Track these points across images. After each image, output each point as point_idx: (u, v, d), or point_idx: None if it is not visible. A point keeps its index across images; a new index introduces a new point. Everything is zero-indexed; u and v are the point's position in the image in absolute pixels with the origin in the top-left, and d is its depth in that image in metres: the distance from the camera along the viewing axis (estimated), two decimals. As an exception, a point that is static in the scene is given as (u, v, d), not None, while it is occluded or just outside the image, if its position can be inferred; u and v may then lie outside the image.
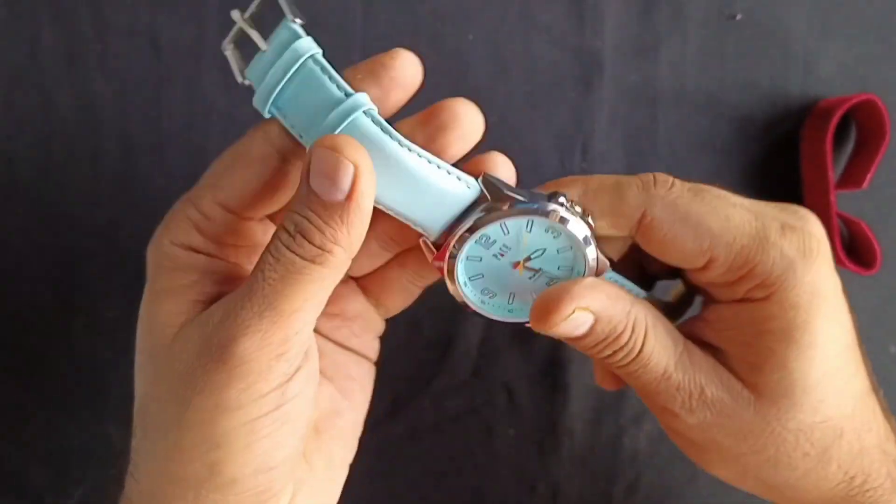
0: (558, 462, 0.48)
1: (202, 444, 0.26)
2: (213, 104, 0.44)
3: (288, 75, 0.27)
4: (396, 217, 0.29)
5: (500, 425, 0.48)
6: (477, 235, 0.29)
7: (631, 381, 0.31)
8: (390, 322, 0.46)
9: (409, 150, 0.27)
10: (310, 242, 0.25)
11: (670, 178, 0.31)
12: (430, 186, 0.28)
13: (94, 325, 0.46)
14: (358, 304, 0.34)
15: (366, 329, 0.35)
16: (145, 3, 0.44)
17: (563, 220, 0.29)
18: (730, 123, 0.46)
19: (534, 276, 0.31)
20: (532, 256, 0.31)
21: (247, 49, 0.29)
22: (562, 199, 0.29)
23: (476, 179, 0.29)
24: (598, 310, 0.29)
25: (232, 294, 0.27)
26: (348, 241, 0.26)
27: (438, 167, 0.28)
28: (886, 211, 0.46)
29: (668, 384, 0.30)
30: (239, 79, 0.29)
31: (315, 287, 0.26)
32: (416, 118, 0.30)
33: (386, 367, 0.47)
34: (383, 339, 0.47)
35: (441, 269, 0.31)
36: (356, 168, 0.25)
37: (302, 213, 0.25)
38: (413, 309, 0.46)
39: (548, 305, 0.29)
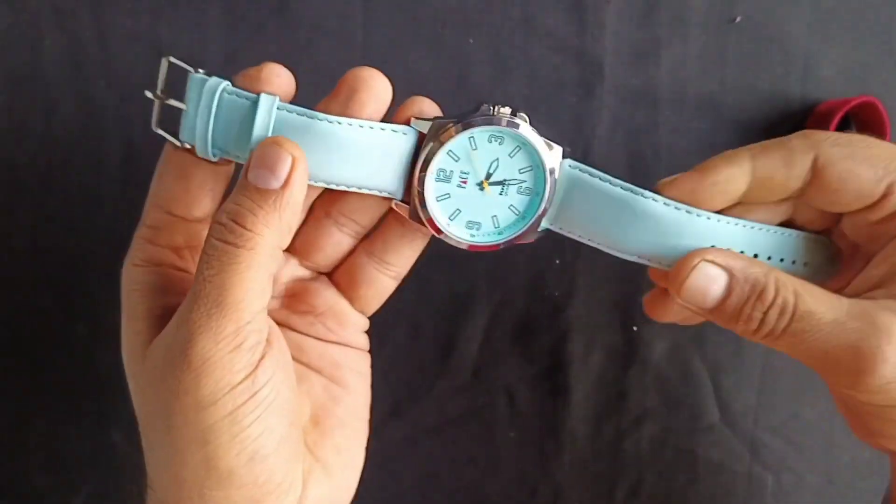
0: (560, 465, 0.48)
1: (192, 443, 0.28)
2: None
3: (212, 115, 0.29)
4: (357, 192, 0.31)
5: (501, 428, 0.48)
6: (433, 172, 0.31)
7: (801, 351, 0.29)
8: (390, 325, 0.47)
9: (339, 122, 0.29)
10: (242, 226, 0.27)
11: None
12: (371, 147, 0.30)
13: (95, 331, 0.46)
14: (327, 298, 0.35)
15: (341, 324, 0.35)
16: (147, 10, 0.44)
17: (496, 121, 0.31)
18: (731, 126, 0.46)
19: (503, 189, 0.32)
20: (491, 172, 0.32)
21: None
22: (484, 108, 0.31)
23: (408, 126, 0.31)
24: (730, 264, 0.29)
25: (184, 301, 0.28)
26: (279, 224, 0.27)
27: (371, 128, 0.30)
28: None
29: (846, 336, 0.28)
30: (178, 145, 0.31)
31: (252, 274, 0.27)
32: (329, 96, 0.31)
33: (387, 370, 0.47)
34: (384, 342, 0.47)
35: (421, 221, 0.32)
36: (294, 160, 0.27)
37: (236, 201, 0.27)
38: (413, 311, 0.47)
39: (674, 267, 0.29)
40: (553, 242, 0.46)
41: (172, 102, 0.31)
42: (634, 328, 0.47)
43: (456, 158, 0.31)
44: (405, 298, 0.46)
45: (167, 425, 0.28)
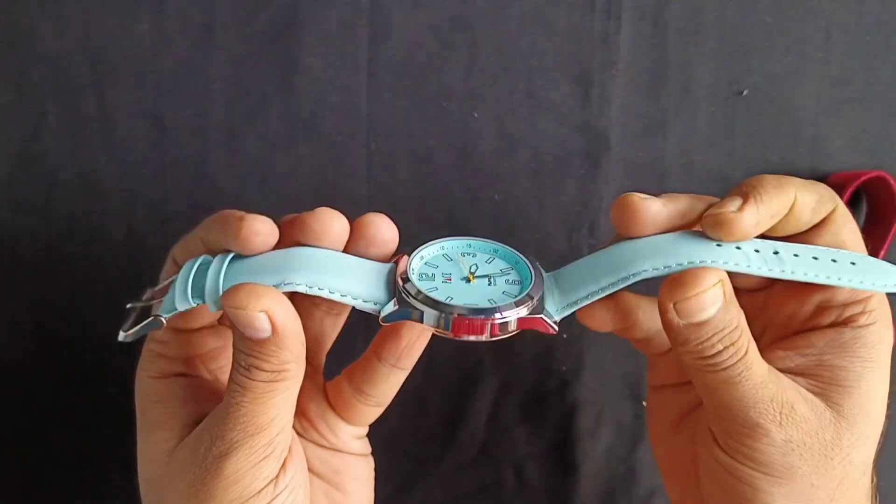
0: (570, 545, 0.47)
1: None
2: (219, 185, 0.44)
3: (191, 277, 0.30)
4: (342, 301, 0.31)
5: (509, 505, 0.47)
6: (416, 275, 0.30)
7: (726, 390, 0.29)
8: (396, 399, 0.46)
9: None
10: (261, 371, 0.28)
11: None
12: (351, 264, 0.30)
13: (99, 403, 0.45)
14: (318, 404, 0.35)
15: (333, 433, 0.35)
16: (150, 85, 0.44)
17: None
18: (739, 199, 0.45)
19: (490, 280, 0.31)
20: (472, 271, 0.32)
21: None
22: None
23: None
24: (729, 295, 0.29)
25: (213, 416, 0.29)
26: (291, 355, 0.28)
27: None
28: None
29: (764, 394, 0.29)
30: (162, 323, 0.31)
31: (282, 396, 0.29)
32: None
33: (393, 445, 0.46)
34: (390, 416, 0.46)
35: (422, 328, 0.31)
36: (266, 311, 0.27)
37: (245, 351, 0.28)
38: (420, 385, 0.46)
39: (696, 274, 0.29)
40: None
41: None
42: (644, 403, 0.47)
43: (435, 266, 0.32)
44: (411, 374, 0.46)
45: None
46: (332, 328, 0.35)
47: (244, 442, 0.28)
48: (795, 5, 0.44)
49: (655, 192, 0.44)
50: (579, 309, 0.31)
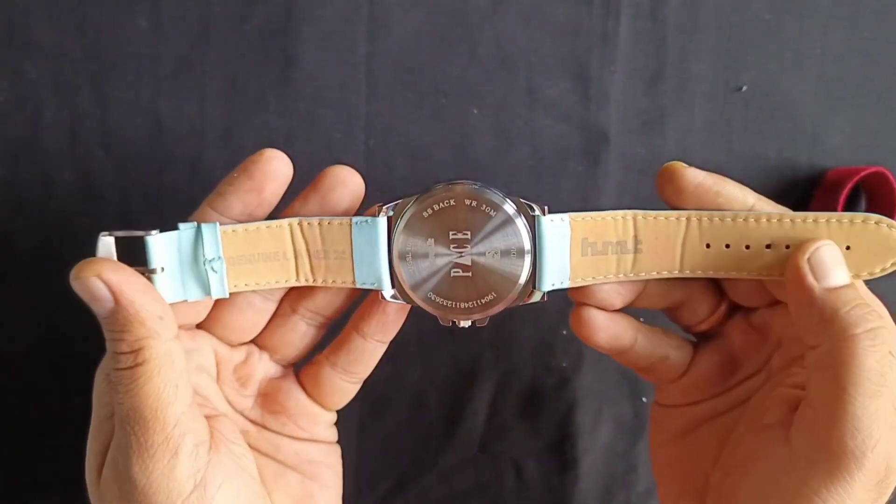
0: (569, 542, 0.47)
1: None
2: (216, 182, 0.44)
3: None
4: (325, 287, 0.32)
5: (508, 502, 0.47)
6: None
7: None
8: (394, 397, 0.46)
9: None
10: (122, 354, 0.27)
11: None
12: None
13: (91, 404, 0.45)
14: (299, 400, 0.35)
15: (312, 423, 0.35)
16: (147, 82, 0.44)
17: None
18: (738, 195, 0.45)
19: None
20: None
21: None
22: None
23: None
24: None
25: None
26: (146, 329, 0.28)
27: (340, 223, 0.31)
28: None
29: None
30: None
31: (156, 382, 0.28)
32: (306, 190, 0.32)
33: (392, 443, 0.46)
34: (388, 415, 0.46)
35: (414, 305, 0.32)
36: (99, 276, 0.27)
37: (107, 336, 0.28)
38: (418, 383, 0.46)
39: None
40: (559, 314, 0.45)
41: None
42: (643, 399, 0.47)
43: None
44: (409, 371, 0.46)
45: None
46: (314, 339, 0.35)
47: (137, 444, 0.27)
48: (793, 1, 0.44)
49: (653, 189, 0.45)
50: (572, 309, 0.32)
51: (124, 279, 0.28)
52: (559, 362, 0.46)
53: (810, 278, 0.28)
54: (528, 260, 0.31)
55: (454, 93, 0.44)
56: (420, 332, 0.45)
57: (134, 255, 0.30)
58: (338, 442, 0.37)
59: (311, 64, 0.44)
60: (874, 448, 0.26)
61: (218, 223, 0.31)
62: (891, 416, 0.26)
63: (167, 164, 0.44)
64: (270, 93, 0.44)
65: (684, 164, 0.31)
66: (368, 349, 0.34)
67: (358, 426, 0.46)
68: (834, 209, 0.43)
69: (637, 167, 0.45)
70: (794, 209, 0.44)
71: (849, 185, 0.42)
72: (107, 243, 0.30)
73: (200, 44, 0.44)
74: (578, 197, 0.45)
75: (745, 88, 0.45)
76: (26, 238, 0.44)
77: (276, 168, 0.31)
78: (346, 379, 0.34)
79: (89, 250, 0.43)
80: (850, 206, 0.45)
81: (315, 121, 0.44)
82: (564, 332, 0.46)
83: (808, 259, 0.29)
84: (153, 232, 0.30)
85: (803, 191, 0.45)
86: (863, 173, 0.42)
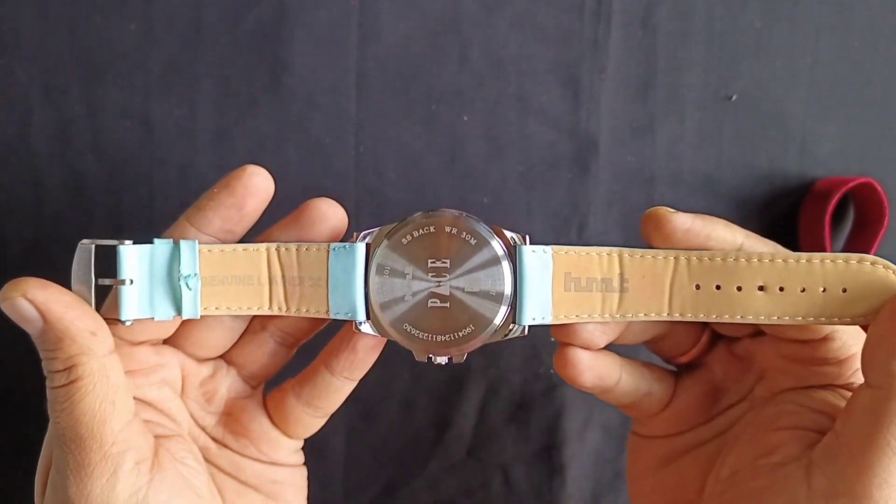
0: (556, 549, 0.47)
1: None
2: (207, 186, 0.43)
3: None
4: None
5: (496, 507, 0.47)
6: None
7: None
8: (383, 402, 0.46)
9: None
10: (56, 372, 0.27)
11: None
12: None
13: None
14: (261, 424, 0.34)
15: (274, 448, 0.34)
16: (137, 85, 0.44)
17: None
18: (727, 204, 0.45)
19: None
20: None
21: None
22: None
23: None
24: None
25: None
26: (78, 346, 0.27)
27: (317, 249, 0.31)
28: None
29: None
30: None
31: (93, 400, 0.27)
32: (286, 219, 0.32)
33: (379, 448, 0.46)
34: (377, 420, 0.46)
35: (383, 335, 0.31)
36: (25, 296, 0.27)
37: (42, 356, 0.28)
38: (407, 388, 0.46)
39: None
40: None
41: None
42: (631, 406, 0.47)
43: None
44: (398, 376, 0.46)
45: None
46: (283, 358, 0.34)
47: (75, 463, 0.27)
48: (784, 10, 0.45)
49: (643, 196, 0.45)
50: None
51: (51, 297, 0.27)
52: (547, 369, 0.46)
53: None
54: (507, 297, 0.30)
55: (445, 99, 0.44)
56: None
57: (111, 264, 0.30)
58: (304, 464, 0.36)
59: (302, 69, 0.44)
60: None
61: (197, 241, 0.30)
62: None
63: (157, 167, 0.44)
64: (261, 97, 0.44)
65: (670, 210, 0.30)
66: (335, 385, 0.33)
67: (346, 431, 0.46)
68: (822, 219, 0.43)
69: (627, 175, 0.45)
70: (783, 218, 0.45)
71: (837, 196, 0.42)
72: (86, 249, 0.29)
73: (191, 48, 0.44)
74: (568, 204, 0.45)
75: (735, 97, 0.45)
76: (16, 240, 0.44)
77: (257, 184, 0.30)
78: (310, 413, 0.34)
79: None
80: (839, 215, 0.45)
81: (306, 126, 0.44)
82: (552, 340, 0.46)
83: None
84: (126, 242, 0.30)
85: (793, 200, 0.45)
86: (851, 184, 0.43)
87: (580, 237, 0.45)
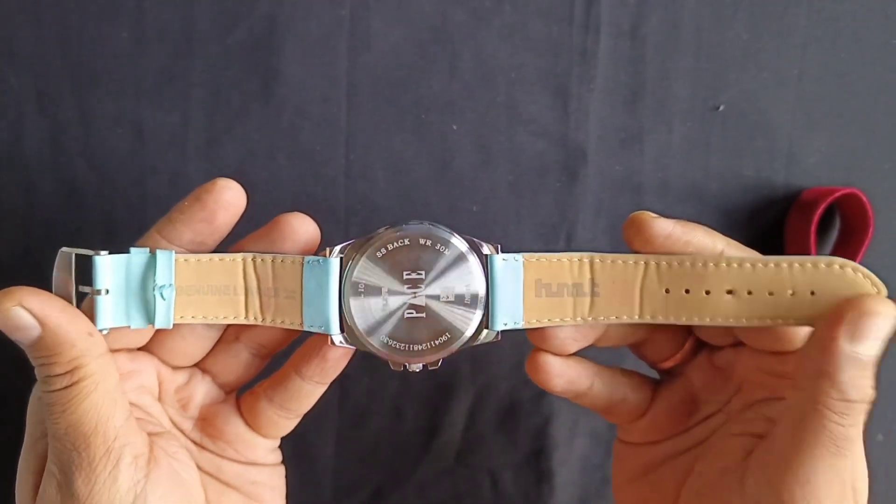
0: (543, 555, 0.47)
1: None
2: (197, 193, 0.44)
3: None
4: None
5: (484, 513, 0.47)
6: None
7: (837, 454, 0.28)
8: (373, 409, 0.46)
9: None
10: (56, 376, 0.28)
11: None
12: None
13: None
14: (236, 426, 0.35)
15: (250, 449, 0.35)
16: (129, 92, 0.44)
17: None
18: (714, 213, 0.46)
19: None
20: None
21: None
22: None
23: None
24: None
25: (49, 451, 0.29)
26: (78, 349, 0.28)
27: (293, 262, 0.31)
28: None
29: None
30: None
31: (96, 399, 0.28)
32: (257, 232, 0.32)
33: (369, 454, 0.47)
34: (366, 425, 0.46)
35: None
36: (21, 304, 0.27)
37: (35, 363, 0.28)
38: (396, 396, 0.46)
39: (877, 299, 0.28)
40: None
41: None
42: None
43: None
44: (387, 383, 0.46)
45: None
46: (256, 368, 0.35)
47: (80, 458, 0.28)
48: (772, 22, 0.45)
49: (631, 205, 0.45)
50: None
51: (46, 302, 0.28)
52: (536, 376, 0.46)
53: (844, 337, 0.27)
54: (481, 300, 0.31)
55: (435, 108, 0.45)
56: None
57: (87, 273, 0.30)
58: (282, 463, 0.37)
59: (293, 78, 0.44)
60: None
61: (174, 251, 0.30)
62: (845, 484, 0.27)
63: (149, 174, 0.44)
64: (252, 106, 0.44)
65: (651, 214, 0.30)
66: (306, 390, 0.33)
67: (336, 437, 0.46)
68: (808, 228, 0.43)
69: (615, 184, 0.45)
70: (770, 228, 0.46)
71: (823, 206, 0.43)
72: (66, 256, 0.30)
73: (183, 56, 0.44)
74: (556, 212, 0.45)
75: (722, 108, 0.45)
76: (8, 246, 0.44)
77: (228, 198, 0.30)
78: (282, 415, 0.34)
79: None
80: (824, 225, 0.46)
81: (296, 134, 0.44)
82: (541, 346, 0.46)
83: (854, 318, 0.27)
84: (102, 252, 0.30)
85: (779, 209, 0.46)
86: (837, 194, 0.43)
87: (568, 245, 0.45)
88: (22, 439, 0.44)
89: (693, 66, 0.45)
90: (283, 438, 0.36)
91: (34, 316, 0.27)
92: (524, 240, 0.45)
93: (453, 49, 0.44)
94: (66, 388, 0.28)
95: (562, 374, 0.33)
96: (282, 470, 0.37)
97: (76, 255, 0.30)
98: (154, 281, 0.30)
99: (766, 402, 0.31)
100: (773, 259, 0.29)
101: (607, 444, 0.47)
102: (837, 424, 0.27)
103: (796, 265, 0.29)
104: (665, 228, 0.30)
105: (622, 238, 0.45)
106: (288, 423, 0.35)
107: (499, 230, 0.45)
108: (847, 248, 0.44)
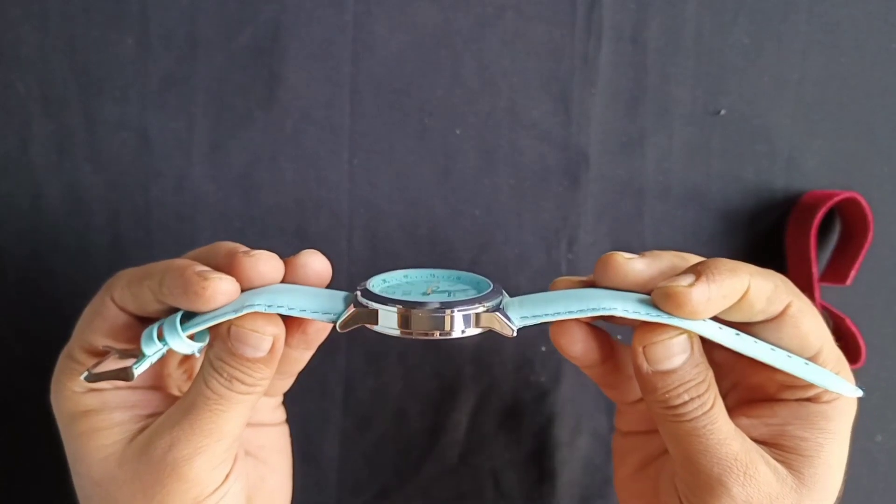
0: (545, 555, 0.48)
1: None
2: (202, 197, 0.45)
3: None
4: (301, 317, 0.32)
5: (487, 513, 0.48)
6: (375, 288, 0.31)
7: (690, 443, 0.30)
8: (377, 409, 0.47)
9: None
10: (242, 384, 0.30)
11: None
12: (304, 289, 0.31)
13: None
14: None
15: (256, 409, 0.36)
16: (134, 98, 0.44)
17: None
18: (715, 216, 0.46)
19: (448, 293, 0.32)
20: (433, 288, 0.32)
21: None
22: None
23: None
24: (697, 349, 0.30)
25: (170, 420, 0.31)
26: (270, 372, 0.31)
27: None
28: (870, 306, 0.46)
29: (728, 451, 0.30)
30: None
31: (245, 410, 0.31)
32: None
33: (373, 454, 0.47)
34: (371, 426, 0.47)
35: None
36: (275, 336, 0.30)
37: (230, 364, 0.30)
38: (400, 396, 0.47)
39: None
40: (539, 330, 0.46)
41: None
42: (620, 414, 0.47)
43: (396, 286, 0.32)
44: (392, 384, 0.47)
45: None
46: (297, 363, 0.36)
47: (209, 447, 0.30)
48: (772, 27, 0.45)
49: (632, 209, 0.46)
50: (551, 323, 0.31)
51: (283, 337, 0.31)
52: (538, 377, 0.47)
53: (644, 364, 0.30)
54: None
55: (438, 113, 0.45)
56: (403, 346, 0.46)
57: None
58: (286, 422, 0.38)
59: (297, 83, 0.44)
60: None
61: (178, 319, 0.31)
62: (750, 451, 0.30)
63: (154, 178, 0.45)
64: (256, 111, 0.45)
65: (625, 256, 0.31)
66: (294, 356, 0.35)
67: (340, 438, 0.47)
68: (808, 232, 0.43)
69: (617, 188, 0.46)
70: (770, 231, 0.46)
71: (823, 210, 0.43)
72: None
73: (187, 61, 0.44)
74: (558, 216, 0.46)
75: (723, 112, 0.45)
76: (14, 251, 0.45)
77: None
78: (278, 377, 0.35)
79: (76, 262, 0.45)
80: (824, 229, 0.46)
81: (300, 139, 0.45)
82: (543, 349, 0.47)
83: (645, 349, 0.30)
84: (135, 368, 0.31)
85: (779, 213, 0.46)
86: (837, 198, 0.43)
87: (570, 249, 0.46)
88: (22, 440, 0.45)
89: (694, 70, 0.45)
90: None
91: (273, 346, 0.30)
92: (526, 243, 0.46)
93: (456, 54, 0.45)
94: (240, 393, 0.30)
95: (585, 339, 0.33)
96: (286, 429, 0.39)
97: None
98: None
99: (762, 403, 0.32)
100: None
101: (609, 444, 0.48)
102: (684, 422, 0.30)
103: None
104: (636, 268, 0.31)
105: (624, 242, 0.46)
106: (284, 383, 0.37)
107: (501, 234, 0.46)
108: (847, 251, 0.45)
